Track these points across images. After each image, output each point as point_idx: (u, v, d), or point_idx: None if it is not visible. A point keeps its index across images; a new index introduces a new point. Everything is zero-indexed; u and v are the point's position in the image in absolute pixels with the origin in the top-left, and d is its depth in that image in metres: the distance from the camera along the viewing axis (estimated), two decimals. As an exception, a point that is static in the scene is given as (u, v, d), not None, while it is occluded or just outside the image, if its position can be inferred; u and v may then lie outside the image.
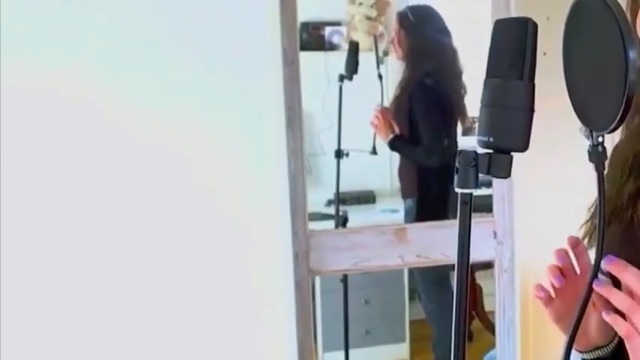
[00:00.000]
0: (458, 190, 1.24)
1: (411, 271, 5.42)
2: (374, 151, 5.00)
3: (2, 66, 2.99)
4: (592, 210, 1.66)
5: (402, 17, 4.98)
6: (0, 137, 3.02)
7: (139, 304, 3.26)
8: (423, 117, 4.78)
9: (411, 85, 4.84)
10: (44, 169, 3.12)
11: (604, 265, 1.46)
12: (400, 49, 4.97)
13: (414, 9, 5.02)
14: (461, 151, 1.24)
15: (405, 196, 5.12)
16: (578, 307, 1.39)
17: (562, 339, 1.56)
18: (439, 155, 4.69)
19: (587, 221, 1.66)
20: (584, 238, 1.65)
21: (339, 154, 4.84)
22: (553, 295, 1.59)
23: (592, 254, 1.41)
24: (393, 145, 4.86)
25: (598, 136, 1.30)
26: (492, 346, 3.99)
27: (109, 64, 3.13)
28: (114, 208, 3.20)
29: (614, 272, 1.41)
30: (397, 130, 4.87)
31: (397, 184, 5.36)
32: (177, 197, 3.25)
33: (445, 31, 4.90)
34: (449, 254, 3.57)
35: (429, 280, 5.07)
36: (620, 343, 1.65)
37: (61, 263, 3.17)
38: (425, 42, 4.87)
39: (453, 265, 1.26)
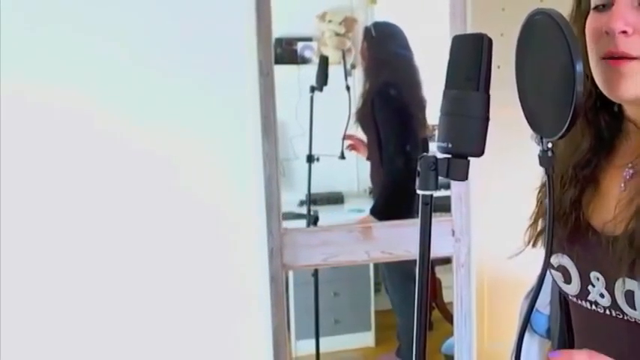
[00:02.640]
0: (419, 192, 1.24)
1: (377, 266, 5.42)
2: (342, 156, 5.02)
3: (2, 77, 2.98)
4: (532, 217, 1.67)
5: (366, 32, 5.00)
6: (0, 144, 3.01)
7: (127, 296, 3.25)
8: (383, 124, 4.79)
9: (371, 95, 4.85)
10: (40, 174, 3.10)
11: None
12: (363, 59, 4.99)
13: (377, 25, 5.04)
14: (422, 157, 1.24)
15: (376, 196, 5.14)
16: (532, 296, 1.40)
17: (513, 329, 1.56)
18: (406, 159, 4.70)
19: (529, 228, 1.67)
20: (529, 241, 1.66)
21: (310, 158, 4.85)
22: None
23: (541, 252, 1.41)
24: (376, 212, 4.88)
25: (548, 142, 1.31)
26: (451, 334, 3.99)
27: (100, 79, 3.12)
28: (105, 210, 3.19)
29: None
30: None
31: (363, 186, 5.39)
32: (163, 200, 3.24)
33: (406, 46, 4.91)
34: (411, 250, 3.57)
35: (396, 275, 5.08)
36: None
37: (53, 256, 3.15)
38: (384, 55, 4.88)
39: (415, 260, 1.26)
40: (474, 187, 3.60)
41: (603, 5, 1.41)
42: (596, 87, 1.49)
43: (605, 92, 1.43)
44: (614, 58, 1.38)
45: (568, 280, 1.56)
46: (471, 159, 1.24)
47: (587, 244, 1.52)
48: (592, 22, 1.42)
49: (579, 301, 1.56)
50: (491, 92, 1.23)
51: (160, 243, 3.26)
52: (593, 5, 1.44)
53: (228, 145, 3.29)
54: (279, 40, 5.21)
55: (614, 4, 1.38)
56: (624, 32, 1.35)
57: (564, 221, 1.57)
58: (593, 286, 1.50)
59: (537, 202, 1.64)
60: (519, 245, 1.67)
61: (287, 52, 5.40)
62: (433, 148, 4.80)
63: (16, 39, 3.01)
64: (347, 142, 5.09)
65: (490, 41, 1.23)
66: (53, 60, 3.08)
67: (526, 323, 1.45)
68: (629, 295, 1.41)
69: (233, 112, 3.29)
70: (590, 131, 1.56)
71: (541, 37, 1.30)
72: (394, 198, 4.72)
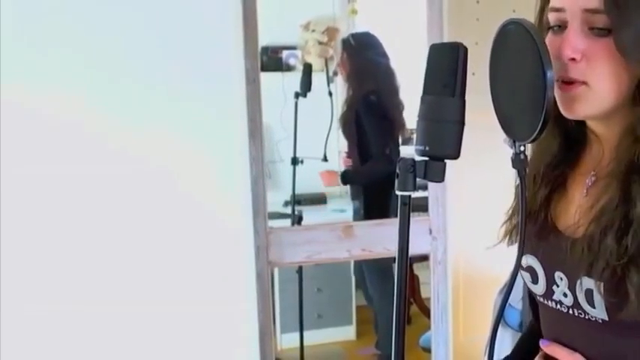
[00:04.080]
0: (398, 193, 1.24)
1: (357, 264, 5.41)
2: (325, 159, 5.01)
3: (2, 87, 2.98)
4: (509, 212, 1.67)
5: (345, 42, 5.00)
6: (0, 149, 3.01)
7: (119, 293, 3.24)
8: (370, 129, 4.80)
9: (356, 102, 4.86)
10: (41, 179, 3.09)
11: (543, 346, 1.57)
12: (344, 71, 4.99)
13: (355, 35, 5.05)
14: (401, 159, 1.24)
15: (353, 197, 5.14)
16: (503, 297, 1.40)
17: (488, 323, 1.57)
18: (385, 161, 4.71)
19: (506, 222, 1.67)
20: (504, 236, 1.66)
21: (294, 161, 4.85)
22: None
23: (514, 249, 1.42)
24: (345, 177, 4.91)
25: (520, 146, 1.32)
26: (428, 328, 4.00)
27: (95, 87, 3.13)
28: (98, 210, 3.18)
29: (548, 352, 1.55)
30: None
31: (345, 187, 5.37)
32: (155, 200, 3.24)
33: (384, 55, 4.92)
34: (390, 248, 3.58)
35: (374, 271, 5.08)
36: None
37: (50, 252, 3.14)
38: (364, 63, 4.89)
39: (394, 258, 1.26)
40: (450, 188, 3.61)
41: (558, 26, 1.41)
42: None
43: (561, 111, 1.44)
44: (564, 82, 1.38)
45: (535, 280, 1.57)
46: (448, 161, 1.24)
47: (552, 245, 1.53)
48: (549, 42, 1.42)
49: (545, 301, 1.57)
50: (467, 98, 1.24)
51: (152, 242, 3.26)
52: (550, 25, 1.44)
53: (217, 147, 3.29)
54: (265, 49, 5.19)
55: (567, 29, 1.38)
56: (573, 59, 1.36)
57: (535, 219, 1.58)
58: (557, 285, 1.51)
59: (515, 197, 1.64)
60: (494, 241, 1.67)
61: (272, 60, 5.39)
62: (406, 151, 4.84)
63: (14, 45, 3.01)
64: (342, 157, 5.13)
65: (465, 50, 1.24)
66: (53, 77, 3.09)
67: (500, 317, 1.45)
68: (589, 294, 1.42)
69: (221, 116, 3.29)
70: (559, 133, 1.56)
71: (514, 46, 1.30)
72: (385, 199, 4.73)
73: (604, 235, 1.38)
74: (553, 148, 1.59)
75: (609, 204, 1.40)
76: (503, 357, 1.79)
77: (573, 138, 1.58)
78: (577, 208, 1.50)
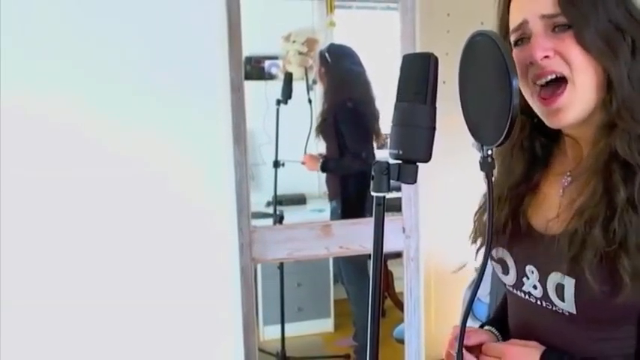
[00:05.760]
0: (373, 194, 1.25)
1: (336, 260, 5.42)
2: (304, 162, 5.02)
3: (2, 92, 2.97)
4: (477, 212, 1.68)
5: (321, 56, 5.01)
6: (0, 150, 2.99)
7: (109, 289, 3.22)
8: (348, 135, 4.81)
9: (334, 109, 4.86)
10: (37, 181, 3.07)
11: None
12: (322, 81, 5.00)
13: (331, 47, 5.05)
14: (376, 162, 1.24)
15: (330, 198, 5.14)
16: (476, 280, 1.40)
17: (457, 316, 1.57)
18: (362, 160, 4.73)
19: (475, 220, 1.69)
20: (471, 235, 1.67)
21: (276, 164, 4.86)
22: None
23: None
24: (324, 166, 4.91)
25: (487, 150, 1.32)
26: (401, 320, 3.99)
27: (93, 93, 3.11)
28: (93, 210, 3.17)
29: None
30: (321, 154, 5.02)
31: (324, 188, 5.38)
32: (146, 201, 3.23)
33: (359, 63, 4.93)
34: (366, 246, 3.57)
35: (351, 268, 5.08)
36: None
37: (46, 251, 3.13)
38: (341, 74, 4.90)
39: (370, 255, 1.26)
40: (422, 189, 3.61)
41: (521, 40, 1.43)
42: (531, 118, 1.51)
43: (546, 123, 1.44)
44: (547, 98, 1.40)
45: (506, 271, 1.58)
46: (420, 164, 1.25)
47: (526, 242, 1.54)
48: (517, 56, 1.43)
49: (515, 291, 1.58)
50: (438, 104, 1.24)
51: (143, 240, 3.24)
52: (512, 42, 1.45)
53: (204, 152, 3.28)
54: (248, 59, 5.20)
55: (532, 37, 1.40)
56: (546, 57, 1.37)
57: (502, 231, 1.59)
58: (528, 278, 1.52)
59: (483, 197, 1.64)
60: (464, 238, 1.68)
61: (256, 69, 5.40)
62: (381, 155, 4.85)
63: (14, 53, 3.00)
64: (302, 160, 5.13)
65: (436, 59, 1.24)
66: (49, 82, 3.07)
67: (468, 311, 1.46)
68: (560, 288, 1.42)
69: (208, 122, 3.28)
70: (524, 157, 1.58)
71: (481, 56, 1.31)
72: (361, 199, 4.74)
73: (589, 228, 1.38)
74: (516, 173, 1.60)
75: (591, 199, 1.41)
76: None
77: (541, 155, 1.59)
78: (555, 207, 1.51)
